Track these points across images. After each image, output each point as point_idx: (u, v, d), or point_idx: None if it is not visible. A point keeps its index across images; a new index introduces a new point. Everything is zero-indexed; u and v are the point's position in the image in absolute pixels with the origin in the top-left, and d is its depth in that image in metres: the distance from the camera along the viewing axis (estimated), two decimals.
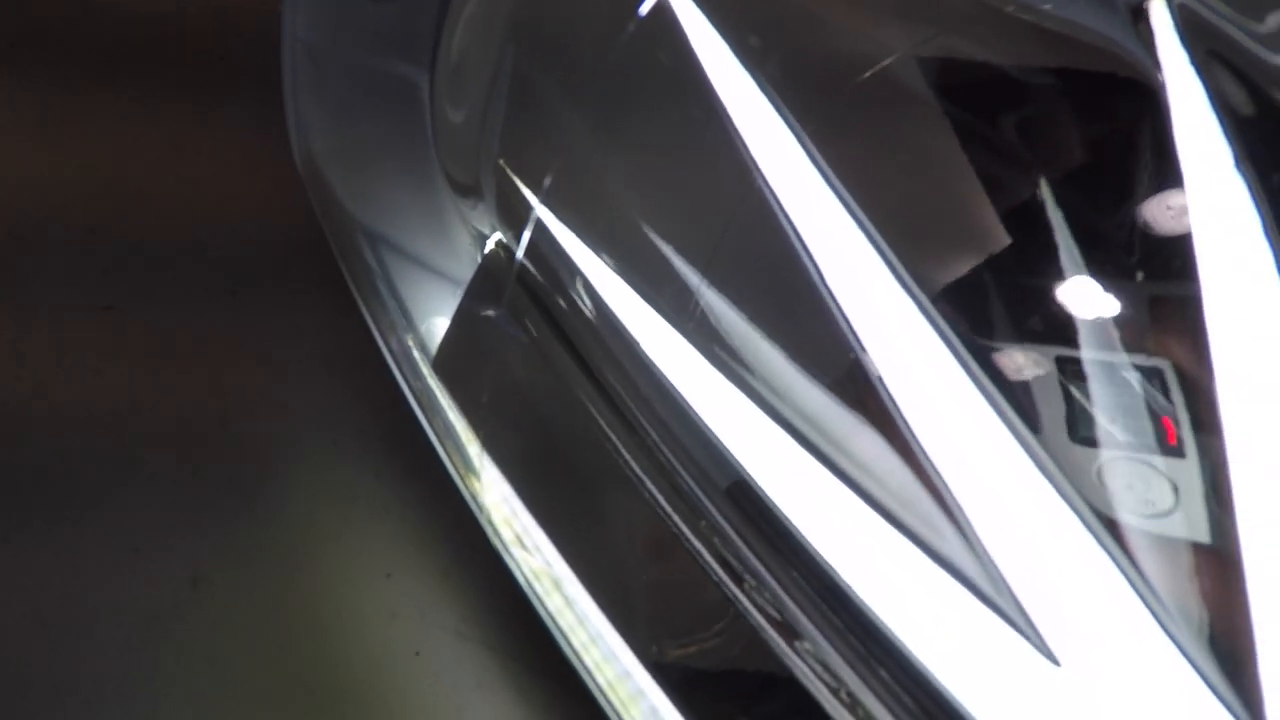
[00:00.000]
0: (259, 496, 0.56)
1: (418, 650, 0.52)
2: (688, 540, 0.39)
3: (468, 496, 0.50)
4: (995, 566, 0.31)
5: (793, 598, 0.37)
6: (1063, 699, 0.30)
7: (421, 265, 0.53)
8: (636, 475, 0.43)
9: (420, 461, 0.55)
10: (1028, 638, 0.31)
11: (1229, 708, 0.28)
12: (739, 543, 0.40)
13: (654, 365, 0.44)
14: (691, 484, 0.39)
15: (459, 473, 0.49)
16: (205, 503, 0.54)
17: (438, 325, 0.52)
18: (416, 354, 0.51)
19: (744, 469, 0.39)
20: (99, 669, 0.50)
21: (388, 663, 0.52)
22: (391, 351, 0.52)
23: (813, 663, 0.36)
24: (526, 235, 0.50)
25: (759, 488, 0.38)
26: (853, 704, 0.35)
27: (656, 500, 0.43)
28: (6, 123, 0.69)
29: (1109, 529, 0.29)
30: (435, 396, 0.50)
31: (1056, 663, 0.30)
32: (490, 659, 0.52)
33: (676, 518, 0.41)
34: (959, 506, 0.32)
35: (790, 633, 0.38)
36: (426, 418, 0.50)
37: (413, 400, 0.51)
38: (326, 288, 0.62)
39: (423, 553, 0.55)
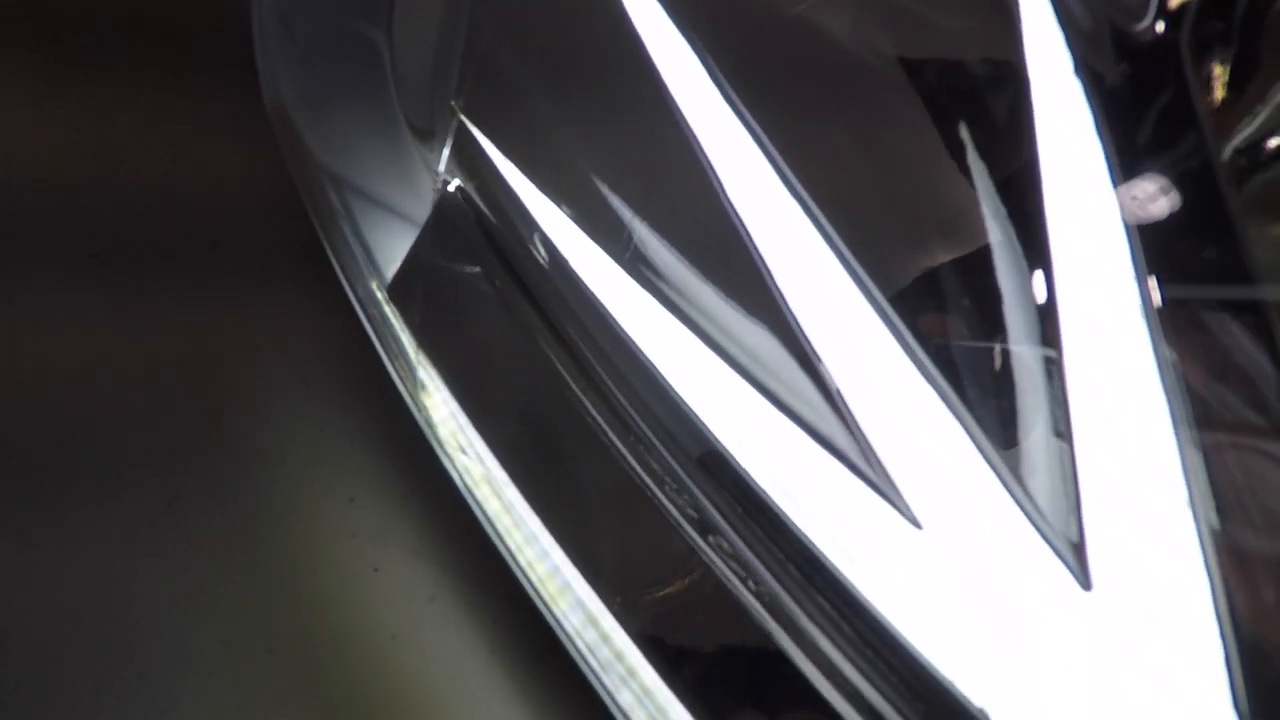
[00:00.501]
0: (233, 428, 0.59)
1: (376, 567, 0.56)
2: (606, 436, 0.43)
3: (420, 419, 0.54)
4: (869, 443, 0.34)
5: (698, 485, 0.40)
6: (924, 558, 0.34)
7: (383, 206, 0.57)
8: (569, 388, 0.47)
9: (383, 396, 0.58)
10: (895, 505, 0.34)
11: (1064, 560, 0.31)
12: (663, 450, 0.43)
13: (595, 297, 0.48)
14: (611, 384, 0.43)
15: (411, 395, 0.53)
16: (183, 434, 0.58)
17: (397, 262, 0.55)
18: (376, 289, 0.55)
19: (658, 369, 0.43)
20: (79, 580, 0.53)
21: (348, 578, 0.55)
22: (354, 288, 0.56)
23: (724, 556, 0.40)
24: (478, 177, 0.54)
25: (666, 380, 0.42)
26: (759, 592, 0.39)
27: (589, 413, 0.46)
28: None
29: (966, 407, 0.33)
30: (393, 325, 0.53)
31: (919, 526, 0.34)
32: (442, 575, 0.55)
33: (605, 425, 0.44)
34: (840, 392, 0.35)
35: (704, 527, 0.41)
36: (382, 346, 0.54)
37: (372, 333, 0.55)
38: (301, 241, 0.66)
39: (383, 479, 0.58)
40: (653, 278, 0.45)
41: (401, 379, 0.53)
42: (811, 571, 0.36)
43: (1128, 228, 0.31)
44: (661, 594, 0.41)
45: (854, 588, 0.35)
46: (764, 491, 0.37)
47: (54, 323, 0.63)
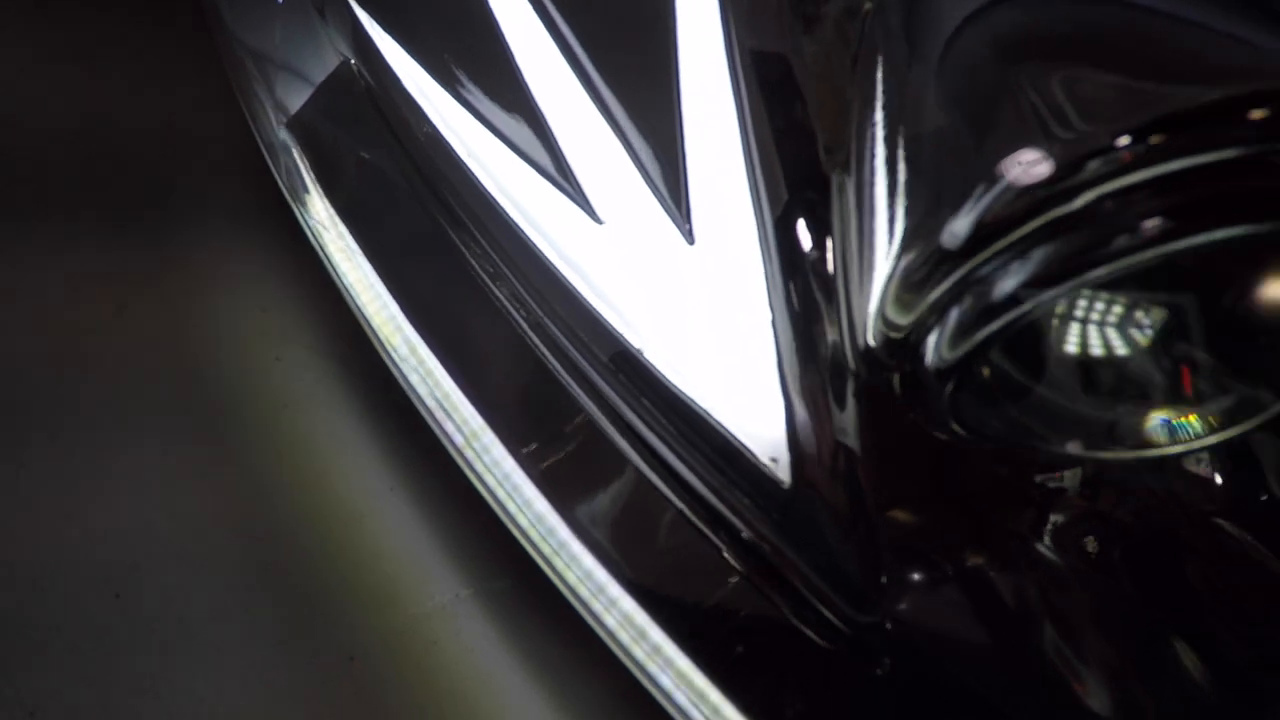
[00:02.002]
0: (180, 250, 0.73)
1: (278, 357, 0.69)
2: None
3: (316, 244, 0.66)
4: (568, 164, 0.47)
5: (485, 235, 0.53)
6: (604, 248, 0.46)
7: (292, 73, 0.70)
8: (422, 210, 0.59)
9: (292, 227, 0.71)
10: (582, 205, 0.47)
11: (678, 226, 0.44)
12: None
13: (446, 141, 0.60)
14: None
15: (304, 217, 0.66)
16: (131, 251, 0.72)
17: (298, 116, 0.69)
18: (279, 130, 0.68)
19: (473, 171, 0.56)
20: (35, 371, 0.66)
21: (255, 366, 0.68)
22: (261, 134, 0.69)
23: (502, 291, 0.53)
24: (363, 52, 0.67)
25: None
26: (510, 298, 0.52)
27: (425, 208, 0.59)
28: None
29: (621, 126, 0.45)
30: (294, 156, 0.66)
31: (600, 221, 0.46)
32: (329, 366, 0.68)
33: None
34: (555, 136, 0.48)
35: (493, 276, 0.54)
36: (280, 176, 0.67)
37: (275, 172, 0.68)
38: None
39: (292, 292, 0.71)
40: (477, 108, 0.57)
41: (298, 209, 0.66)
42: (532, 270, 0.49)
43: None
44: None
45: (557, 269, 0.47)
46: (507, 211, 0.50)
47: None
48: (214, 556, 0.59)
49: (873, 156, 0.37)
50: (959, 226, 0.31)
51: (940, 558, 0.44)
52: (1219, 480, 0.43)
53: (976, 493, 0.43)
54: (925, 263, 0.33)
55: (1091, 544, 0.46)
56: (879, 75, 0.40)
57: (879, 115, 0.38)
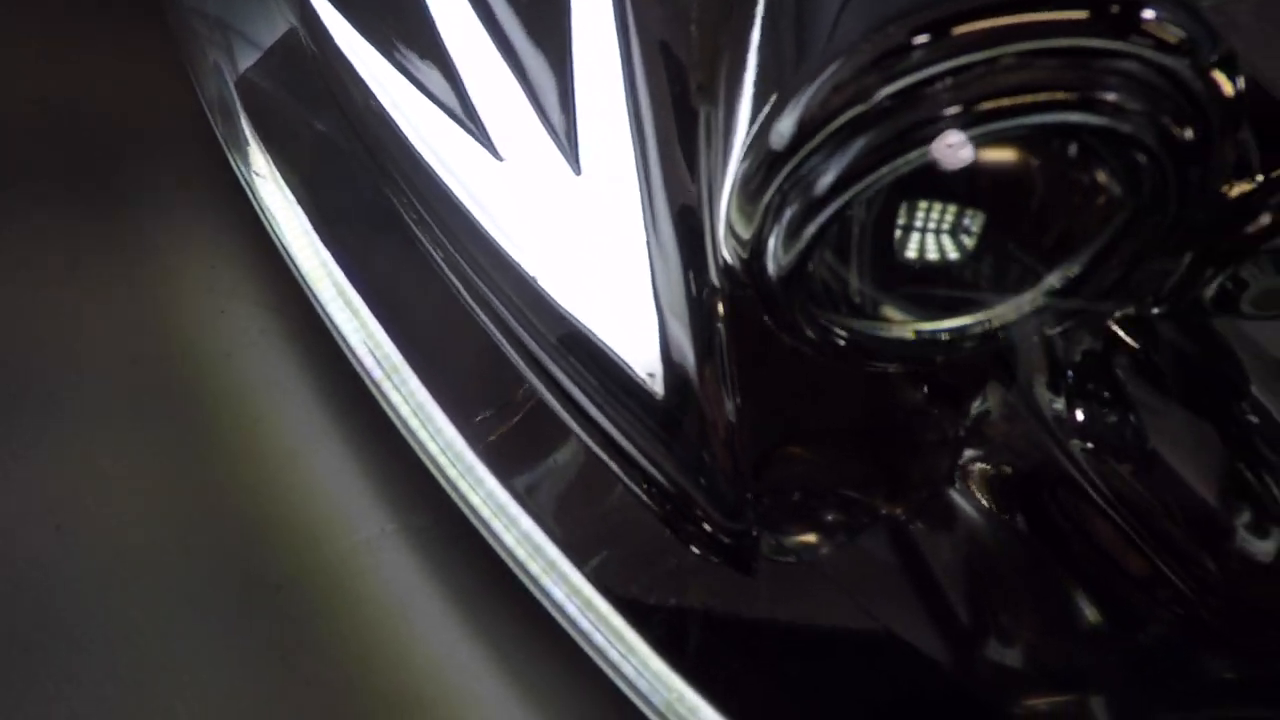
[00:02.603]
0: (132, 211, 0.76)
1: (223, 309, 0.72)
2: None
3: (254, 196, 0.69)
4: (470, 99, 0.50)
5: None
6: (504, 184, 0.50)
7: (240, 37, 0.73)
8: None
9: (237, 188, 0.74)
10: (485, 145, 0.50)
11: (567, 157, 0.47)
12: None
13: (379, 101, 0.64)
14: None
15: (243, 169, 0.69)
16: (85, 210, 0.75)
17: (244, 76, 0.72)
18: (226, 91, 0.71)
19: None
20: None
21: (201, 317, 0.72)
22: (209, 100, 0.72)
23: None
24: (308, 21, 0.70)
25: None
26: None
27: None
28: None
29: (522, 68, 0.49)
30: (237, 113, 0.70)
31: (501, 158, 0.50)
32: (271, 317, 0.71)
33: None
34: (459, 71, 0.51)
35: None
36: (221, 131, 0.70)
37: (217, 128, 0.71)
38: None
39: (239, 249, 0.74)
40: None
41: (235, 161, 0.69)
42: (446, 211, 0.52)
43: None
44: None
45: (466, 207, 0.51)
46: (424, 157, 0.53)
47: None
48: (154, 492, 0.62)
49: (731, 87, 0.40)
50: (783, 126, 0.35)
51: (809, 468, 0.48)
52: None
53: (845, 403, 0.46)
54: (759, 168, 0.36)
55: (969, 463, 0.49)
56: (749, 19, 0.43)
57: (742, 51, 0.41)
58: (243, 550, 0.60)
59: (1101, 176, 0.36)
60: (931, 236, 0.37)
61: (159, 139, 0.80)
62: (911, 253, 0.37)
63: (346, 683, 0.59)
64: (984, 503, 0.48)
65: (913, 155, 0.33)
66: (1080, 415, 0.48)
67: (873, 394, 0.46)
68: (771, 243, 0.37)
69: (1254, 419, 0.46)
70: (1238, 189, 0.39)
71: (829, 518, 0.47)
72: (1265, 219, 0.39)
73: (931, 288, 0.38)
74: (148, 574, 0.60)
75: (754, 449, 0.45)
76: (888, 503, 0.48)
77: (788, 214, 0.36)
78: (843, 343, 0.42)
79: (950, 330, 0.41)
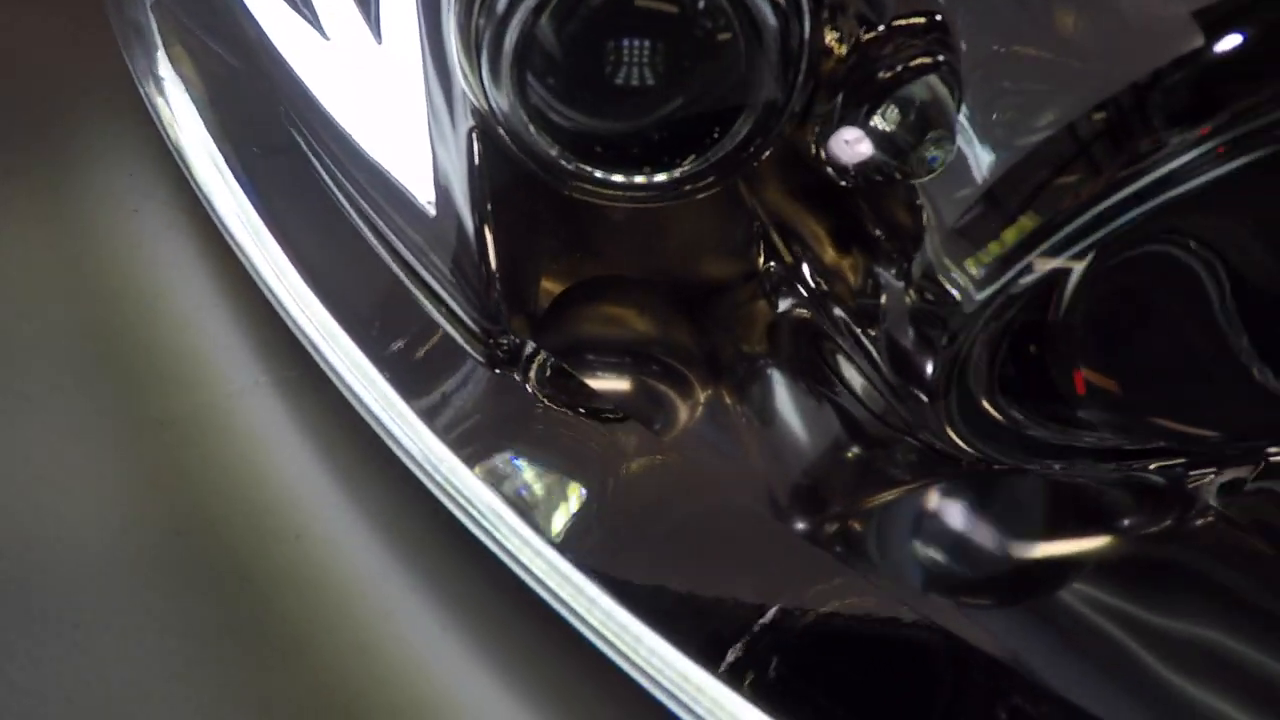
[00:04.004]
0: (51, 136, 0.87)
1: (136, 209, 0.83)
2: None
3: (155, 110, 0.80)
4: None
5: None
6: (333, 60, 0.60)
7: None
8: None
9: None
10: (316, 28, 0.61)
11: (371, 30, 0.57)
12: None
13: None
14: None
15: (149, 91, 0.80)
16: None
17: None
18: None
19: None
20: None
21: (115, 217, 0.82)
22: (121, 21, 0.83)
23: None
24: None
25: None
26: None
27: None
28: None
29: None
30: (148, 33, 0.80)
31: (327, 38, 0.60)
32: (175, 213, 0.82)
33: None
34: None
35: None
36: (129, 49, 0.81)
37: (125, 50, 0.82)
38: None
39: (150, 157, 0.85)
40: None
41: (145, 90, 0.80)
42: (297, 95, 0.63)
43: None
44: None
45: (309, 88, 0.61)
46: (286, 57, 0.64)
47: None
48: (54, 334, 0.73)
49: None
50: None
51: (559, 269, 0.58)
52: None
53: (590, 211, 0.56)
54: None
55: None
56: None
57: None
58: (134, 392, 0.71)
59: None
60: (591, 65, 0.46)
61: (76, 72, 0.91)
62: (587, 82, 0.47)
63: (223, 511, 0.68)
64: None
65: None
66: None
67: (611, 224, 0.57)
68: (485, 75, 0.47)
69: None
70: (868, 36, 0.49)
71: (580, 321, 0.57)
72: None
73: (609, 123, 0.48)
74: (46, 412, 0.70)
75: (506, 268, 0.55)
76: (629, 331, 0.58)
77: (485, 41, 0.45)
78: (570, 174, 0.52)
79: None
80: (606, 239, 0.64)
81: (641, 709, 0.52)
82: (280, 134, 0.66)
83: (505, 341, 0.57)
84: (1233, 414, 0.48)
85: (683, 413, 0.62)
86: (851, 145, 0.48)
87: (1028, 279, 0.41)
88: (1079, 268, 0.41)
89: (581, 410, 0.60)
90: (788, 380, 0.63)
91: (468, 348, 0.58)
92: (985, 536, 0.59)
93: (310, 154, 0.64)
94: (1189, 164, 0.37)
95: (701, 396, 0.63)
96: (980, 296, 0.42)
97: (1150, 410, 0.48)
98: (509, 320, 0.56)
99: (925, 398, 0.51)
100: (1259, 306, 0.43)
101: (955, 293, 0.43)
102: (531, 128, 0.48)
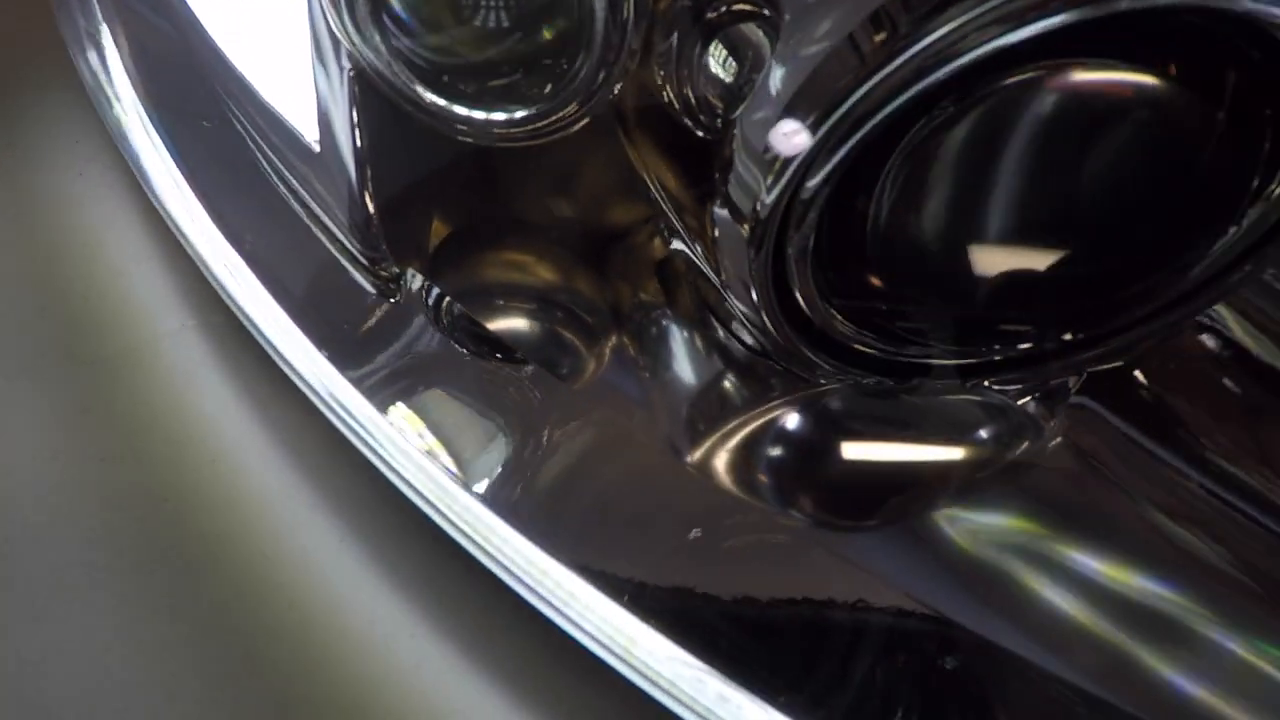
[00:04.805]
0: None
1: (80, 173, 0.88)
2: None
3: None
4: None
5: None
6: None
7: None
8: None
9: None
10: None
11: None
12: None
13: None
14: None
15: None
16: None
17: None
18: None
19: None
20: None
21: (61, 171, 0.88)
22: None
23: None
24: None
25: None
26: None
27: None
28: None
29: None
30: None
31: None
32: (117, 176, 0.87)
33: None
34: None
35: None
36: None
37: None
38: None
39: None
40: None
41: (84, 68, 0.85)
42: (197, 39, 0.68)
43: None
44: None
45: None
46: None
47: None
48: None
49: None
50: None
51: (452, 211, 0.63)
52: None
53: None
54: None
55: None
56: None
57: None
58: (71, 332, 0.76)
59: None
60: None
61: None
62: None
63: (147, 441, 0.73)
64: None
65: None
66: None
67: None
68: (347, 19, 0.52)
69: None
70: None
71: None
72: None
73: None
74: None
75: (385, 203, 0.60)
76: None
77: None
78: (437, 113, 0.57)
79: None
80: (503, 182, 0.69)
81: (538, 628, 0.56)
82: (203, 95, 0.72)
83: (387, 271, 0.62)
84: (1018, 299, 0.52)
85: (590, 361, 0.67)
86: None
87: (813, 182, 0.46)
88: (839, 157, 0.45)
89: (490, 354, 0.65)
90: (676, 325, 0.68)
91: (359, 278, 0.64)
92: (856, 453, 0.64)
93: (231, 116, 0.69)
94: (945, 53, 0.41)
95: (608, 345, 0.68)
96: (770, 199, 0.47)
97: (940, 298, 0.53)
98: (389, 251, 0.61)
99: (758, 314, 0.56)
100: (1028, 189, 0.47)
101: (755, 205, 0.48)
102: (394, 67, 0.54)
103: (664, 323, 0.68)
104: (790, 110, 0.47)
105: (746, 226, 0.50)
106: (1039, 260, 0.50)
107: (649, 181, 0.67)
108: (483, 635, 0.61)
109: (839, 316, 0.55)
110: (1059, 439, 0.62)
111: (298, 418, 0.69)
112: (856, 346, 0.58)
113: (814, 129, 0.44)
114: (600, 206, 0.73)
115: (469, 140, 0.58)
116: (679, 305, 0.69)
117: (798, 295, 0.53)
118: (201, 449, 0.71)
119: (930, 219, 0.49)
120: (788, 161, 0.45)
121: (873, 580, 0.57)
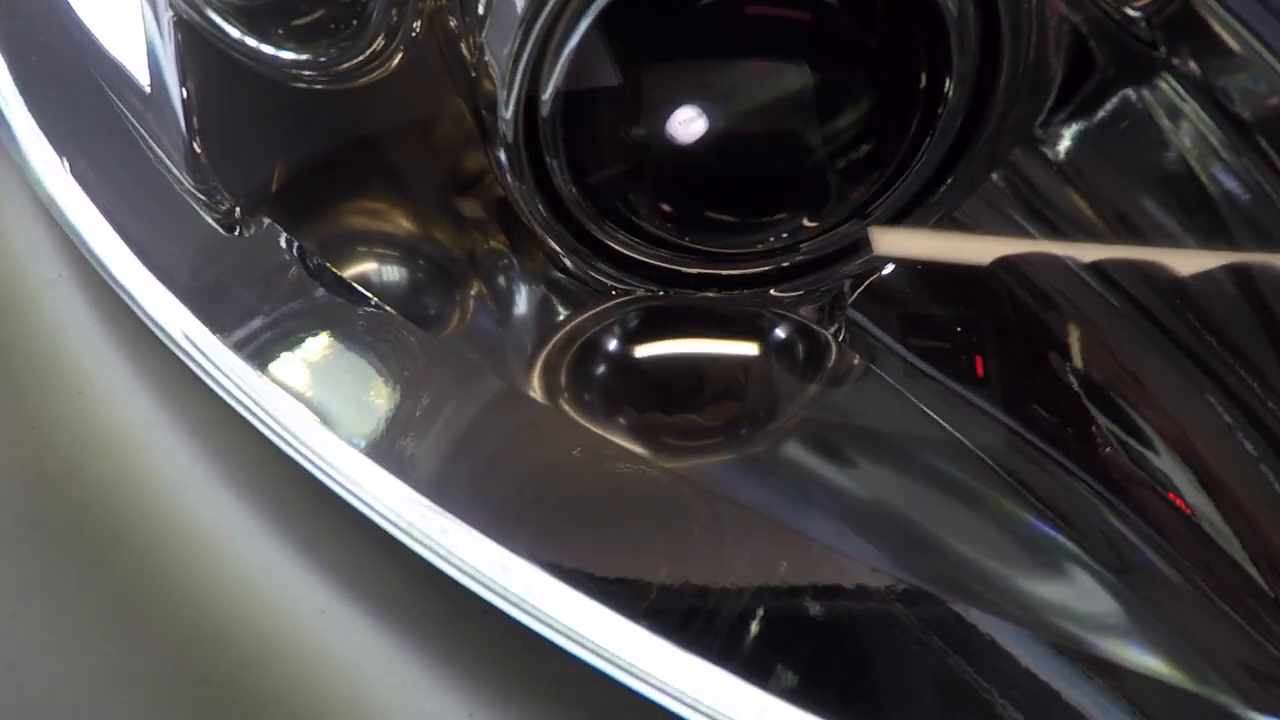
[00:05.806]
0: None
1: None
2: None
3: None
4: None
5: None
6: None
7: None
8: None
9: None
10: None
11: None
12: None
13: None
14: None
15: None
16: None
17: None
18: None
19: None
20: None
21: None
22: None
23: None
24: None
25: None
26: None
27: None
28: None
29: None
30: None
31: None
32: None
33: None
34: None
35: None
36: None
37: None
38: None
39: None
40: None
41: None
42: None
43: None
44: None
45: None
46: None
47: None
48: None
49: None
50: None
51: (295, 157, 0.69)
52: None
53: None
54: None
55: None
56: None
57: None
58: None
59: None
60: None
61: None
62: None
63: (19, 373, 0.78)
64: None
65: None
66: None
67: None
68: None
69: None
70: None
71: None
72: None
73: None
74: None
75: (214, 143, 0.66)
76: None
77: None
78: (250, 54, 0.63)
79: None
80: (343, 127, 0.74)
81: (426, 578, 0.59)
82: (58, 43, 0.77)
83: (226, 204, 0.67)
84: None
85: (455, 312, 0.72)
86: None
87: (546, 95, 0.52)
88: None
89: (356, 301, 0.70)
90: (517, 268, 0.73)
91: (205, 215, 0.69)
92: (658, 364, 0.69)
93: (97, 77, 0.74)
94: None
95: (470, 294, 0.73)
96: (509, 114, 0.53)
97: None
98: (222, 186, 0.66)
99: (545, 237, 0.62)
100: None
101: (507, 113, 0.54)
102: (206, 10, 0.60)
103: (507, 267, 0.73)
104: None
105: (503, 150, 0.56)
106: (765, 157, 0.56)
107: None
108: (351, 568, 0.65)
109: (610, 224, 0.61)
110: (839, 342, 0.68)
111: (158, 349, 0.75)
112: (639, 257, 0.64)
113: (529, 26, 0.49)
114: (448, 153, 0.77)
115: (299, 85, 0.64)
116: (522, 250, 0.74)
117: (569, 206, 0.59)
118: (69, 381, 0.76)
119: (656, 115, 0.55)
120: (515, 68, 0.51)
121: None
